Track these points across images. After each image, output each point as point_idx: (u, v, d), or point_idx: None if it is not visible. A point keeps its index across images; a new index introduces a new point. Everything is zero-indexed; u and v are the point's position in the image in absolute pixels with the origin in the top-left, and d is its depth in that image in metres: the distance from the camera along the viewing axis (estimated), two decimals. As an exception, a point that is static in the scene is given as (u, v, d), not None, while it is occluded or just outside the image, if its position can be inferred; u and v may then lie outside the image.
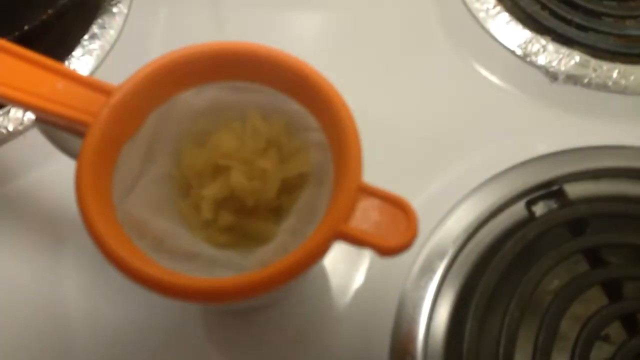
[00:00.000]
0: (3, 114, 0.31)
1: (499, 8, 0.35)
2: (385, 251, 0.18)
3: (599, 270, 0.27)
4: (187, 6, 0.37)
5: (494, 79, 0.34)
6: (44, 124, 0.23)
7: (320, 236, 0.19)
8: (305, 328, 0.27)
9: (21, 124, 0.31)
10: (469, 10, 0.35)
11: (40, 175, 0.31)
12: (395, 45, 0.35)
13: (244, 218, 0.23)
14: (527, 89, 0.33)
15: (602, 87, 0.32)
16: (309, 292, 0.28)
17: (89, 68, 0.33)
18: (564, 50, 0.33)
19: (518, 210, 0.29)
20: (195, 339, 0.27)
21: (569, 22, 0.34)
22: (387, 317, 0.27)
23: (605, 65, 0.33)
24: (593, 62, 0.33)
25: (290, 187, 0.23)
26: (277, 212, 0.23)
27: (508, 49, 0.34)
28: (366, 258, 0.29)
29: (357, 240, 0.19)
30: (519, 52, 0.34)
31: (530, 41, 0.34)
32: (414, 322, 0.27)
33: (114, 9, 0.35)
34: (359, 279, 0.28)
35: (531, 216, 0.29)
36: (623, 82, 0.32)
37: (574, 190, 0.30)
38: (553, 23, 0.34)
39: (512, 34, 0.34)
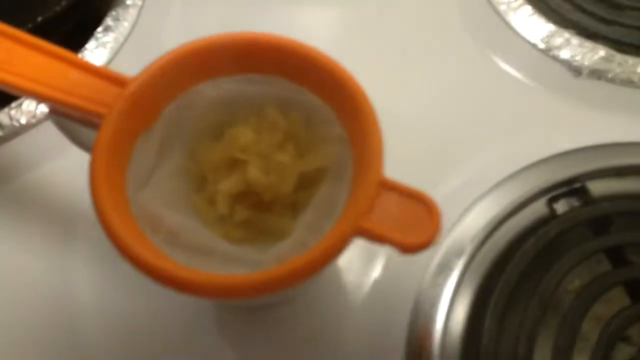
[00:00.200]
0: (16, 107, 0.31)
1: (521, 1, 0.34)
2: (407, 248, 0.18)
3: (621, 270, 0.27)
4: (202, -2, 0.36)
5: (515, 73, 0.33)
6: (57, 116, 0.23)
7: (339, 232, 0.18)
8: (319, 325, 0.27)
9: (34, 116, 0.31)
10: (490, 2, 0.34)
11: (53, 169, 0.31)
12: (414, 38, 0.35)
13: (260, 213, 0.22)
14: (549, 84, 0.32)
15: (627, 82, 0.31)
16: (322, 288, 0.28)
17: (103, 61, 0.33)
18: (588, 44, 0.32)
19: (539, 207, 0.29)
20: (208, 333, 0.27)
21: (593, 15, 0.33)
22: (403, 314, 0.26)
23: (630, 60, 0.32)
24: (618, 56, 0.32)
25: (308, 182, 0.22)
26: (293, 207, 0.22)
27: (530, 43, 0.33)
28: (381, 254, 0.28)
29: (377, 237, 0.18)
30: (541, 45, 0.33)
31: (553, 35, 0.33)
32: (431, 320, 0.26)
33: (128, 1, 0.35)
34: (374, 276, 0.28)
35: (552, 214, 0.28)
36: (648, 77, 0.31)
37: (597, 187, 0.29)
38: (577, 16, 0.33)
39: (535, 27, 0.33)
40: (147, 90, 0.21)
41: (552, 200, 0.29)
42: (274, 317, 0.27)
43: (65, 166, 0.30)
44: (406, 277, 0.27)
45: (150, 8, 0.35)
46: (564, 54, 0.32)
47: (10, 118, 0.30)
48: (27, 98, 0.30)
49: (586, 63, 0.32)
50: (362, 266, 0.28)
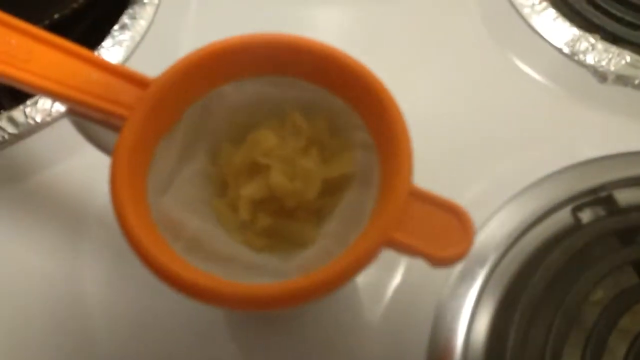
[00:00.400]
0: (31, 105, 0.30)
1: (545, 4, 0.33)
2: (439, 261, 0.17)
3: (649, 283, 0.26)
4: (219, -3, 0.36)
5: (539, 77, 0.32)
6: (76, 116, 0.22)
7: (368, 242, 0.18)
8: (334, 336, 0.26)
9: (49, 115, 0.30)
10: (513, 5, 0.34)
11: (67, 168, 0.30)
12: (435, 41, 0.34)
13: (283, 220, 0.21)
14: (574, 89, 0.32)
15: (654, 89, 0.31)
16: (339, 299, 0.27)
17: (118, 59, 0.32)
18: (614, 49, 0.32)
19: (564, 216, 0.28)
20: (219, 338, 0.26)
21: (619, 20, 0.33)
22: (423, 326, 0.26)
23: (657, 66, 0.31)
24: (645, 62, 0.31)
25: (332, 189, 0.22)
26: (317, 215, 0.22)
27: (555, 47, 0.32)
28: (401, 263, 0.28)
29: (408, 248, 0.17)
30: (566, 50, 0.32)
31: (578, 39, 0.32)
32: (452, 332, 0.25)
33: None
34: (393, 285, 0.27)
35: (578, 223, 0.28)
36: (676, 84, 0.31)
37: (624, 197, 0.28)
38: (602, 20, 0.33)
39: (559, 31, 0.33)
40: (169, 92, 0.20)
41: (577, 209, 0.28)
42: (287, 326, 0.26)
43: (80, 165, 0.30)
44: (426, 286, 0.26)
45: (168, 7, 0.35)
46: (589, 59, 0.32)
47: (26, 116, 0.30)
48: (43, 97, 0.30)
49: (612, 68, 0.31)
50: (381, 274, 0.27)
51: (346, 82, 0.21)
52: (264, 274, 0.20)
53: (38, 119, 0.30)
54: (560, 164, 0.29)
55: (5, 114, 0.30)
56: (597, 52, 0.32)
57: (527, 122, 0.31)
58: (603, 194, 0.28)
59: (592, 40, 0.32)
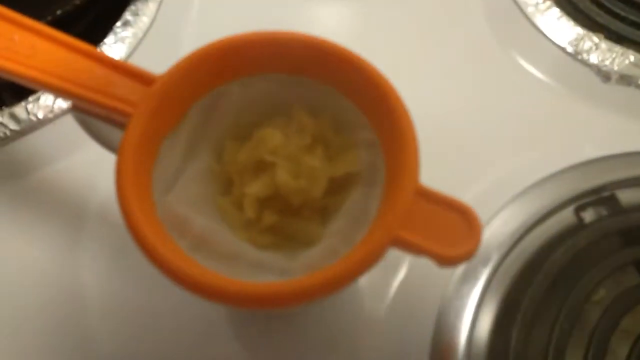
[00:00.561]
0: (33, 101, 0.30)
1: (549, 3, 0.33)
2: (446, 260, 0.17)
3: (652, 283, 0.26)
4: (223, -6, 0.36)
5: (542, 77, 0.32)
6: (79, 113, 0.22)
7: (374, 241, 0.17)
8: (338, 334, 0.26)
9: (51, 111, 0.30)
10: (517, 4, 0.34)
11: (68, 164, 0.30)
12: (439, 40, 0.34)
13: (288, 218, 0.21)
14: (577, 89, 0.32)
15: (658, 89, 0.31)
16: (342, 297, 0.27)
17: (121, 56, 0.32)
18: (618, 48, 0.32)
19: (566, 216, 0.28)
20: (222, 336, 0.26)
21: (623, 19, 0.33)
22: (426, 325, 0.25)
23: (661, 66, 0.31)
24: (649, 62, 0.31)
25: (337, 188, 0.22)
26: (322, 213, 0.22)
27: (558, 46, 0.32)
28: (404, 262, 0.27)
29: (414, 247, 0.17)
30: (569, 49, 0.32)
31: (582, 38, 0.32)
32: (455, 331, 0.25)
33: (147, -4, 0.34)
34: (396, 284, 0.27)
35: (580, 223, 0.28)
36: (680, 84, 0.31)
37: (626, 196, 0.28)
38: (606, 20, 0.33)
39: (563, 30, 0.33)
40: (175, 89, 0.20)
41: (580, 209, 0.28)
42: (290, 324, 0.26)
43: (81, 162, 0.30)
44: (429, 286, 0.26)
45: (170, 3, 0.35)
46: (593, 59, 0.32)
47: (28, 112, 0.30)
48: (45, 93, 0.30)
49: (616, 68, 0.31)
50: (383, 273, 0.27)
51: (351, 80, 0.21)
52: (269, 272, 0.20)
53: (40, 116, 0.30)
54: (563, 163, 0.29)
55: (7, 110, 0.30)
56: (600, 51, 0.32)
57: (529, 121, 0.31)
58: (606, 193, 0.28)
59: (595, 39, 0.32)
